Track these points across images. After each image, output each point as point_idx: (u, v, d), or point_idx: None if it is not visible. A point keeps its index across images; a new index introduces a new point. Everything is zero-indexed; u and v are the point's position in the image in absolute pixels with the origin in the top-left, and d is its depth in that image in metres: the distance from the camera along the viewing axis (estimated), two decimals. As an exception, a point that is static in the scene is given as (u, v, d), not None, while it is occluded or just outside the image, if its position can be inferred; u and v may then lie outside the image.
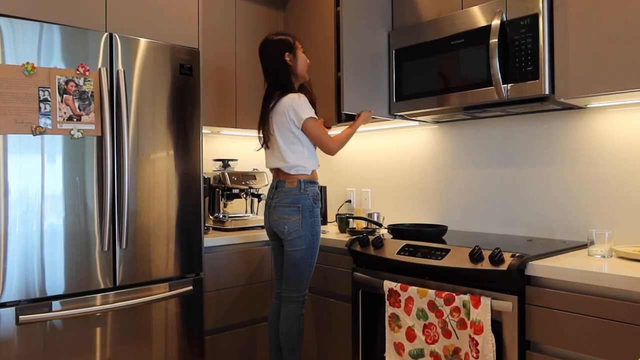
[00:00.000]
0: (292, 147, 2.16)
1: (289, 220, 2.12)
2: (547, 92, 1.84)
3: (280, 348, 2.28)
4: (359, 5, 2.35)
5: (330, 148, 2.18)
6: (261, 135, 2.25)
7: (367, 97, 2.36)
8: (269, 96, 2.22)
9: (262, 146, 2.26)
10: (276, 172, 2.24)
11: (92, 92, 1.93)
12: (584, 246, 1.95)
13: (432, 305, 1.81)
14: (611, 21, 1.71)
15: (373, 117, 2.43)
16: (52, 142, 1.85)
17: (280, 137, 2.17)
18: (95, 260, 1.95)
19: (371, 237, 2.16)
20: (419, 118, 2.50)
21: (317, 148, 2.25)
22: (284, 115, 2.14)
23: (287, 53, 2.21)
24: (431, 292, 1.81)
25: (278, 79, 2.21)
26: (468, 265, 1.75)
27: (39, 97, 1.82)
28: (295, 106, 2.12)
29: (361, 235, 2.18)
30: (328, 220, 3.18)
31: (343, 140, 2.23)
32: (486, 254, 1.75)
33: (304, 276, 2.16)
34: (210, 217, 2.81)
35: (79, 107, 1.90)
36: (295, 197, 2.14)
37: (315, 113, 2.20)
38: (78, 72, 1.91)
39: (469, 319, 1.70)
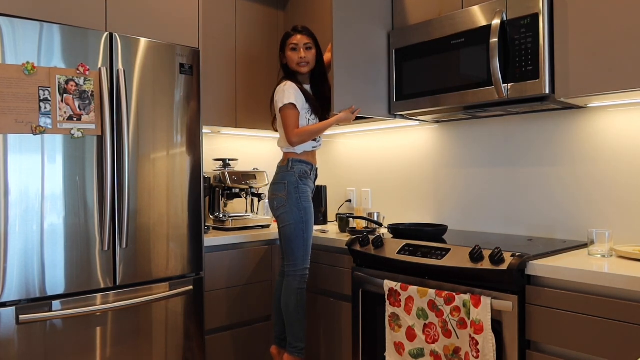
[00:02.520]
0: (282, 129, 2.31)
1: (277, 197, 2.27)
2: (547, 91, 1.84)
3: (281, 323, 2.36)
4: (355, 5, 2.35)
5: (290, 141, 2.25)
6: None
7: (361, 98, 2.35)
8: None
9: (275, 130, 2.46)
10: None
11: (92, 91, 1.93)
12: (584, 246, 1.95)
13: (432, 305, 1.81)
14: (611, 21, 1.71)
15: (371, 117, 2.43)
16: (53, 141, 1.85)
17: (278, 120, 2.35)
18: (95, 259, 1.95)
19: (371, 237, 2.16)
20: (419, 117, 2.50)
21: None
22: (274, 102, 2.34)
23: (280, 53, 2.41)
24: (431, 291, 1.81)
25: (284, 73, 2.42)
26: (468, 264, 1.75)
27: (39, 97, 1.82)
28: (277, 93, 2.30)
29: (361, 235, 2.18)
30: (328, 220, 3.18)
31: (305, 135, 2.25)
32: (486, 253, 1.75)
33: (298, 251, 2.23)
34: (211, 216, 2.81)
35: (79, 107, 1.90)
36: (283, 174, 2.28)
37: (312, 104, 2.31)
38: (78, 71, 1.91)
39: (469, 318, 1.70)
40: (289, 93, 2.25)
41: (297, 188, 2.25)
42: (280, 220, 2.26)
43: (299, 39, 2.34)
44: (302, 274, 2.25)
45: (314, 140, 2.34)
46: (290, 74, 2.38)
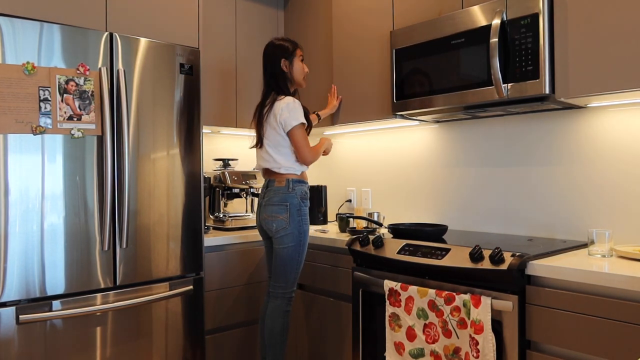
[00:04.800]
0: (281, 149, 2.21)
1: (277, 218, 2.17)
2: (547, 91, 1.84)
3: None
4: (355, 5, 2.35)
5: (305, 159, 2.21)
6: (255, 134, 2.30)
7: (360, 97, 2.35)
8: (265, 97, 2.28)
9: (256, 145, 2.30)
10: (266, 171, 2.29)
11: (92, 91, 1.94)
12: (584, 246, 1.95)
13: (432, 305, 1.81)
14: (611, 21, 1.71)
15: (371, 119, 2.45)
16: (53, 141, 1.85)
17: (271, 139, 2.22)
18: (95, 259, 1.95)
19: (371, 237, 2.16)
20: (419, 117, 2.50)
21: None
22: (275, 119, 2.19)
23: (283, 60, 2.26)
24: (431, 291, 1.81)
25: (275, 83, 2.26)
26: (468, 264, 1.75)
27: (39, 97, 1.82)
28: (287, 111, 2.16)
29: (361, 235, 2.18)
30: (328, 220, 3.18)
31: (317, 155, 2.27)
32: (486, 253, 1.75)
33: (291, 273, 2.19)
34: (211, 216, 2.81)
35: (79, 107, 1.90)
36: (284, 195, 2.18)
37: (307, 119, 2.24)
38: (78, 71, 1.91)
39: (469, 318, 1.70)
40: (300, 111, 2.19)
41: (300, 210, 2.19)
42: (278, 242, 2.18)
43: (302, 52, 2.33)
44: (290, 297, 2.22)
45: None
46: (283, 87, 2.25)
